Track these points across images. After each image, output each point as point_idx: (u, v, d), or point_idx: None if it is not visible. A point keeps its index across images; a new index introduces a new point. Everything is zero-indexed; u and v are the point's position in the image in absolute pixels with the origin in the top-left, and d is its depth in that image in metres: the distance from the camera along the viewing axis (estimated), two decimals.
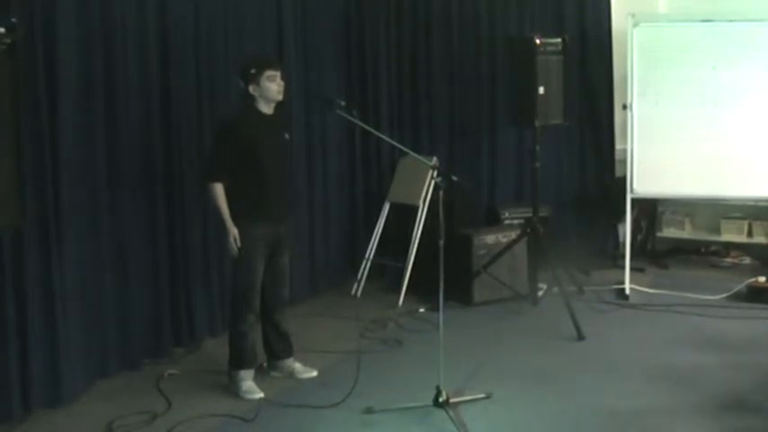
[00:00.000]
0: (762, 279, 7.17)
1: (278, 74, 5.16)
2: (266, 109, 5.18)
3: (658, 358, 5.75)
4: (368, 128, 5.77)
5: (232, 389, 5.27)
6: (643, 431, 4.68)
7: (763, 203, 7.95)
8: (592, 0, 8.34)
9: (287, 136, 5.40)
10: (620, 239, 8.37)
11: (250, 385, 5.26)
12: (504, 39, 8.11)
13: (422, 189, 7.31)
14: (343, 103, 5.23)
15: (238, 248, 5.11)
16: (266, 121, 5.18)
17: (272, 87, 5.12)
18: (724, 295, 7.11)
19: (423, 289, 7.10)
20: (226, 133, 5.20)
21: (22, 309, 4.73)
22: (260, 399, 5.15)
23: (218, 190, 5.08)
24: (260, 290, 5.28)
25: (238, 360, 5.29)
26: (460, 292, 7.05)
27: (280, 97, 5.19)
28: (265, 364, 5.58)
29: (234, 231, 5.07)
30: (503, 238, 7.24)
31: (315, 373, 5.55)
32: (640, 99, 7.34)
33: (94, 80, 5.24)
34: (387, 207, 7.71)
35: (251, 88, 5.11)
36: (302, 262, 7.13)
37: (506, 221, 7.83)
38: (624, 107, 7.42)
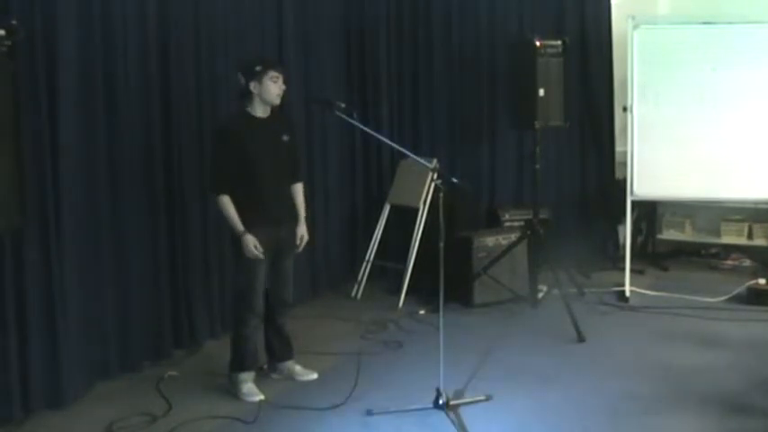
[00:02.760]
0: (762, 281, 7.16)
1: (281, 77, 5.14)
2: (261, 112, 5.16)
3: (658, 360, 5.75)
4: (368, 130, 5.77)
5: (232, 391, 5.26)
6: None
7: (764, 206, 7.96)
8: (592, 2, 8.35)
9: (285, 138, 5.35)
10: (621, 241, 8.38)
11: (250, 387, 5.25)
12: (504, 41, 8.13)
13: (422, 191, 7.31)
14: (343, 105, 5.23)
15: (239, 251, 5.11)
16: (261, 124, 5.16)
17: (272, 89, 5.10)
18: (724, 297, 7.11)
19: (423, 291, 7.11)
20: (220, 139, 5.18)
21: (22, 310, 4.73)
22: (260, 401, 5.14)
23: (225, 201, 5.06)
24: (262, 292, 5.27)
25: (239, 362, 5.28)
26: (461, 294, 7.05)
27: (277, 101, 5.17)
28: (265, 366, 5.57)
29: (251, 239, 5.04)
30: (503, 239, 7.24)
31: (315, 376, 5.54)
32: (640, 101, 7.34)
33: (95, 81, 5.24)
34: (387, 209, 7.71)
35: (252, 85, 5.09)
36: (302, 264, 7.10)
37: (507, 223, 7.85)
38: (624, 109, 7.42)
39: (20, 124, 4.05)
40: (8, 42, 3.83)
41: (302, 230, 5.46)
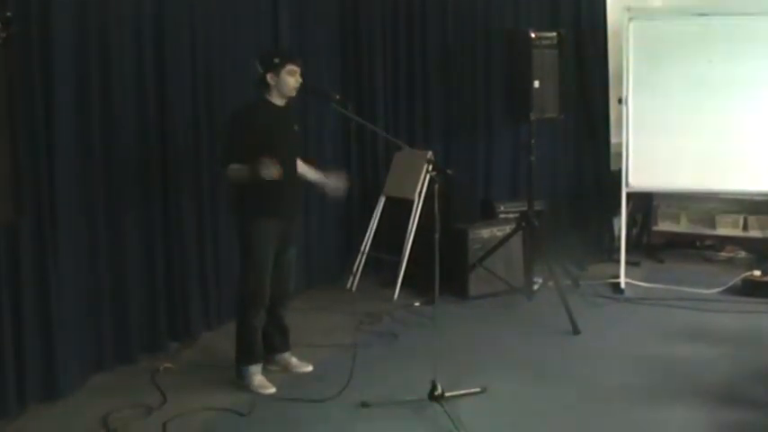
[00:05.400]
0: (757, 273, 7.17)
1: (298, 70, 5.14)
2: (279, 101, 5.16)
3: (653, 352, 5.76)
4: (363, 122, 5.76)
5: (241, 384, 5.24)
6: (638, 424, 4.69)
7: (759, 197, 7.98)
8: None
9: (296, 127, 5.36)
10: (616, 233, 8.36)
11: (261, 380, 5.24)
12: (499, 33, 8.12)
13: (417, 183, 7.31)
14: (338, 97, 5.22)
15: (249, 242, 5.12)
16: (279, 113, 5.15)
17: (289, 81, 5.10)
18: (719, 289, 7.12)
19: (418, 283, 7.11)
20: (240, 123, 5.14)
21: (18, 302, 4.73)
22: (272, 393, 5.15)
23: (232, 167, 4.99)
24: (269, 285, 5.22)
25: (248, 355, 5.26)
26: (456, 286, 7.06)
27: (294, 93, 5.16)
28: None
29: (266, 160, 4.88)
30: (498, 231, 7.25)
31: (310, 368, 5.54)
32: (636, 93, 7.33)
33: (91, 75, 5.23)
34: (382, 201, 7.71)
35: (269, 77, 5.08)
36: (298, 256, 7.12)
37: (502, 215, 7.84)
38: (620, 101, 7.42)
39: (15, 118, 4.04)
40: (3, 35, 3.82)
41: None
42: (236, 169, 5.01)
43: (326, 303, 7.08)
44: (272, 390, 5.18)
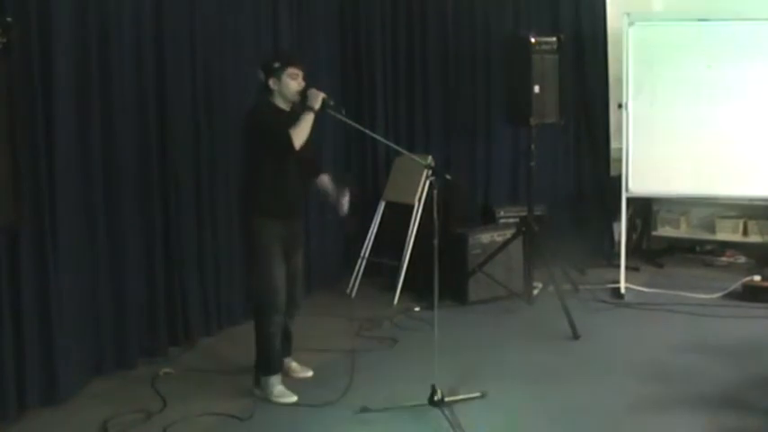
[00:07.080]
0: (757, 278, 7.18)
1: (300, 73, 5.09)
2: (284, 106, 5.12)
3: (653, 357, 5.76)
4: (360, 128, 5.73)
5: (260, 394, 5.18)
6: (638, 429, 4.69)
7: (759, 202, 7.97)
8: None
9: None
10: (616, 238, 8.38)
11: (282, 389, 5.18)
12: (499, 37, 8.12)
13: (417, 188, 7.31)
14: (332, 103, 5.16)
15: (253, 242, 5.09)
16: (286, 117, 5.07)
17: (291, 85, 5.06)
18: (719, 294, 7.12)
19: (418, 288, 7.11)
20: (263, 121, 5.06)
21: (18, 308, 4.73)
22: (294, 402, 5.11)
23: (292, 132, 4.91)
24: (283, 288, 5.15)
25: (268, 364, 5.20)
26: (456, 291, 7.06)
27: (297, 98, 5.09)
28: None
29: (309, 95, 5.01)
30: (498, 236, 7.24)
31: (310, 374, 5.54)
32: (636, 98, 7.33)
33: (90, 79, 5.24)
34: (382, 206, 7.71)
35: (271, 82, 5.05)
36: None
37: (502, 220, 7.83)
38: (619, 106, 7.42)
39: (15, 122, 4.03)
40: (3, 40, 3.82)
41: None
42: (295, 127, 4.93)
43: (326, 308, 7.07)
44: (294, 398, 5.13)
